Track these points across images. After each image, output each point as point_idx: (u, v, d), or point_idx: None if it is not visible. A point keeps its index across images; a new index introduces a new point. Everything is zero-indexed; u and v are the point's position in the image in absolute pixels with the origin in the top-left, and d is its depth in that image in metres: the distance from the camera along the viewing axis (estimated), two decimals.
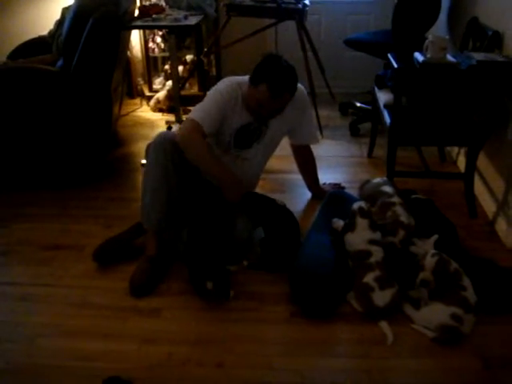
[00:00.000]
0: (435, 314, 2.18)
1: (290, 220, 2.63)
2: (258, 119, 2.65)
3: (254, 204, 2.63)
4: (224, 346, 2.14)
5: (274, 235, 2.58)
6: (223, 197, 2.54)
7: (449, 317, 2.12)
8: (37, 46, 3.94)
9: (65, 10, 3.80)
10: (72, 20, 3.30)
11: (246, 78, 2.60)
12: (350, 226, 2.45)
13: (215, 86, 2.67)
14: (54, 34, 3.79)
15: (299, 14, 3.95)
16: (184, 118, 3.21)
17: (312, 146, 3.11)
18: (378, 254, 2.35)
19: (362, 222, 2.43)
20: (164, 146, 2.50)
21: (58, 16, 3.84)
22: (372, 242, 2.39)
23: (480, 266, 2.41)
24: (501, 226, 2.84)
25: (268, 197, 2.69)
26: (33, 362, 2.09)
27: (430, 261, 2.25)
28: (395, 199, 2.63)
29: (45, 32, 3.97)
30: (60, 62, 3.41)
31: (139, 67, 5.07)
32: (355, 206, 2.49)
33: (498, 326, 2.23)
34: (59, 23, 3.75)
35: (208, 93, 2.67)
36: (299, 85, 2.69)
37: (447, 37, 2.87)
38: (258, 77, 2.52)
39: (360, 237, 2.40)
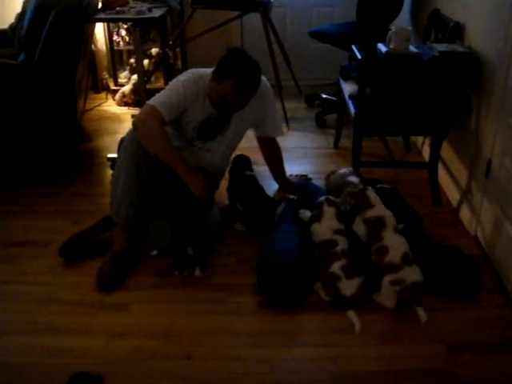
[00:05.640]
0: (385, 292, 2.25)
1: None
2: (220, 113, 2.64)
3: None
4: (192, 339, 2.15)
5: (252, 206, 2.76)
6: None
7: (390, 286, 2.21)
8: None
9: (26, 3, 3.73)
10: (33, 13, 3.26)
11: (209, 70, 2.59)
12: (317, 217, 2.48)
13: (177, 77, 2.65)
14: (14, 27, 3.72)
15: (264, 6, 3.94)
16: None
17: (278, 138, 3.10)
18: (343, 243, 2.38)
19: (328, 211, 2.47)
20: (137, 141, 2.47)
21: (18, 9, 3.78)
22: (337, 231, 2.41)
23: (445, 253, 2.45)
24: (465, 213, 2.89)
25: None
26: None
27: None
28: None
29: (5, 26, 3.90)
30: (22, 56, 3.36)
31: (104, 61, 5.02)
32: (322, 197, 2.52)
33: (460, 310, 2.28)
34: (20, 16, 3.69)
35: (170, 82, 2.65)
36: (262, 77, 2.67)
37: (410, 28, 2.90)
38: (223, 72, 2.49)
39: (326, 226, 2.43)
